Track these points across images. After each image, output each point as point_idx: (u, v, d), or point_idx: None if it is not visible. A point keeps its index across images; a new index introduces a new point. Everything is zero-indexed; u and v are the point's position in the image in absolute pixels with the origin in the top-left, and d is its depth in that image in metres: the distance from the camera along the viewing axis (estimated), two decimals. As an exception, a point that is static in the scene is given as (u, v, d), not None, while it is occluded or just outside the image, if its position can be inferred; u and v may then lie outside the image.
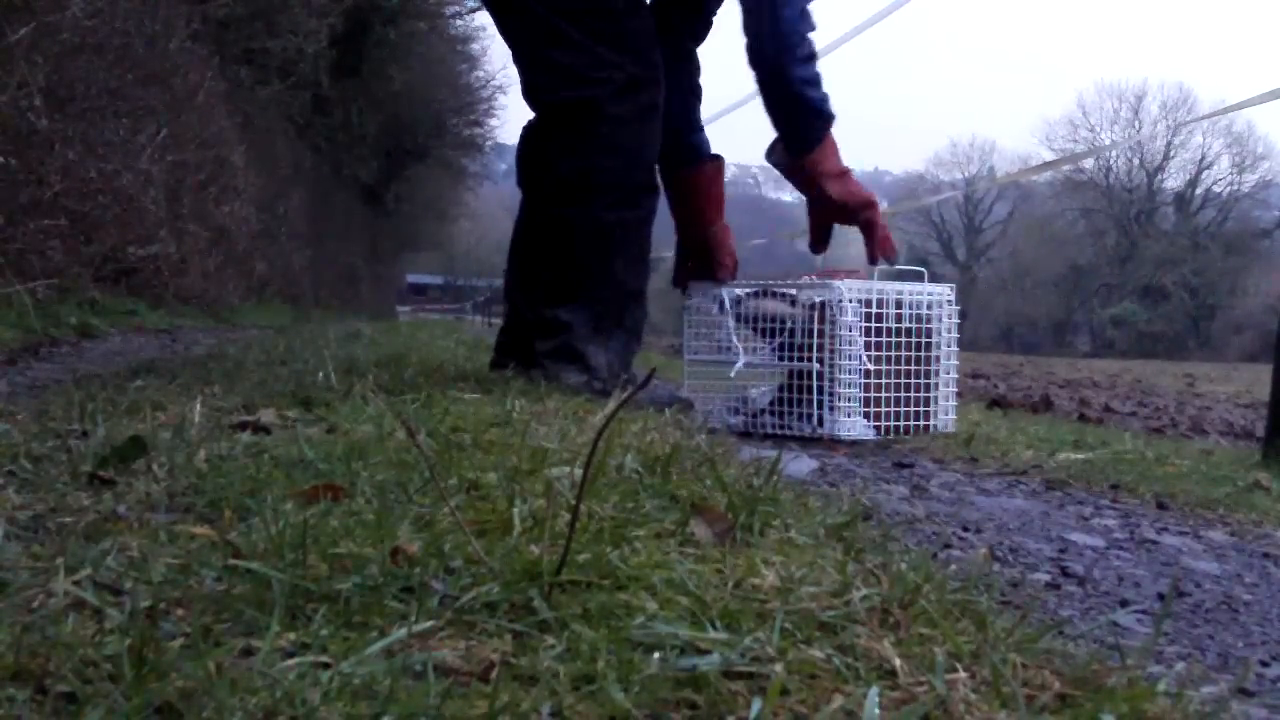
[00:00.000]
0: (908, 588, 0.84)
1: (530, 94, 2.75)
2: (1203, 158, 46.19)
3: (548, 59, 2.67)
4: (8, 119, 5.40)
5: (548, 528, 0.90)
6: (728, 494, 1.10)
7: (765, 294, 2.92)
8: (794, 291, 2.87)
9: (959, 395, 3.16)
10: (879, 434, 2.80)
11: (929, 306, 2.87)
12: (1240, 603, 1.33)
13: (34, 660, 0.62)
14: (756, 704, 0.62)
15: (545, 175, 2.72)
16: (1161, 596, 1.32)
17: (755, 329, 2.90)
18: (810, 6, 2.70)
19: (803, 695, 0.65)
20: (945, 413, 2.92)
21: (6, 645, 0.62)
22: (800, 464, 2.17)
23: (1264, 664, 1.09)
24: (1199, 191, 46.84)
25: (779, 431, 2.81)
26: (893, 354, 2.81)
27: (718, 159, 3.04)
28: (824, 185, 2.80)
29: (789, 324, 2.82)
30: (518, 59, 2.77)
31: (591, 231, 2.68)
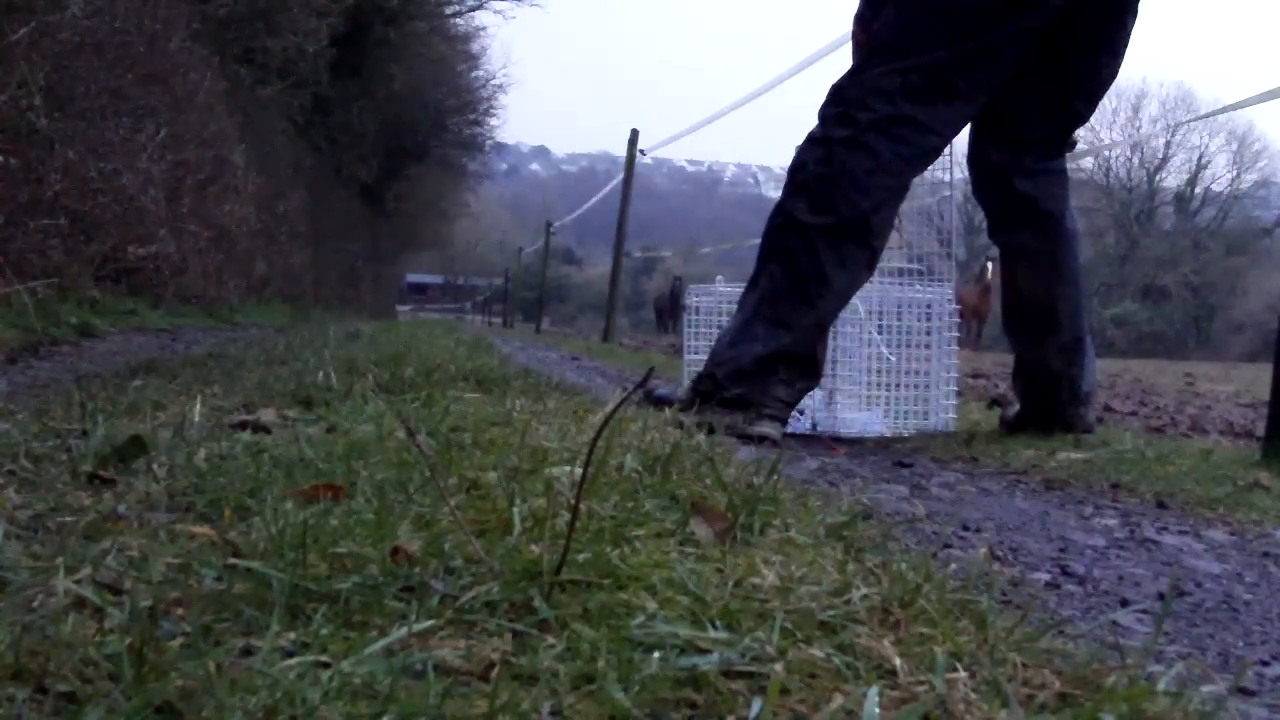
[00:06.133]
0: (908, 587, 0.84)
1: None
2: (1201, 156, 46.11)
3: None
4: (8, 119, 5.40)
5: (548, 527, 0.90)
6: (728, 494, 1.10)
7: None
8: None
9: (959, 394, 3.16)
10: (879, 432, 2.81)
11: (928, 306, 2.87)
12: (1240, 602, 1.33)
13: (34, 660, 0.62)
14: (756, 704, 0.62)
15: None
16: (1161, 596, 1.32)
17: None
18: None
19: (803, 695, 0.65)
20: (945, 411, 2.92)
21: (6, 645, 0.62)
22: (800, 464, 2.17)
23: (1264, 663, 1.09)
24: (1198, 191, 46.74)
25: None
26: (893, 353, 2.82)
27: None
28: None
29: None
30: None
31: None
